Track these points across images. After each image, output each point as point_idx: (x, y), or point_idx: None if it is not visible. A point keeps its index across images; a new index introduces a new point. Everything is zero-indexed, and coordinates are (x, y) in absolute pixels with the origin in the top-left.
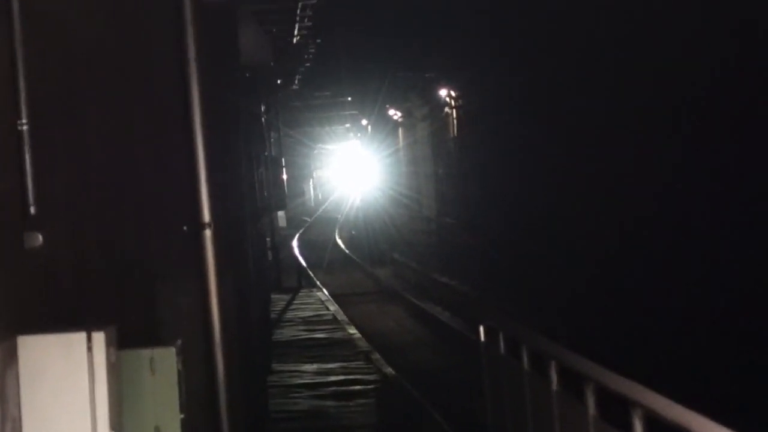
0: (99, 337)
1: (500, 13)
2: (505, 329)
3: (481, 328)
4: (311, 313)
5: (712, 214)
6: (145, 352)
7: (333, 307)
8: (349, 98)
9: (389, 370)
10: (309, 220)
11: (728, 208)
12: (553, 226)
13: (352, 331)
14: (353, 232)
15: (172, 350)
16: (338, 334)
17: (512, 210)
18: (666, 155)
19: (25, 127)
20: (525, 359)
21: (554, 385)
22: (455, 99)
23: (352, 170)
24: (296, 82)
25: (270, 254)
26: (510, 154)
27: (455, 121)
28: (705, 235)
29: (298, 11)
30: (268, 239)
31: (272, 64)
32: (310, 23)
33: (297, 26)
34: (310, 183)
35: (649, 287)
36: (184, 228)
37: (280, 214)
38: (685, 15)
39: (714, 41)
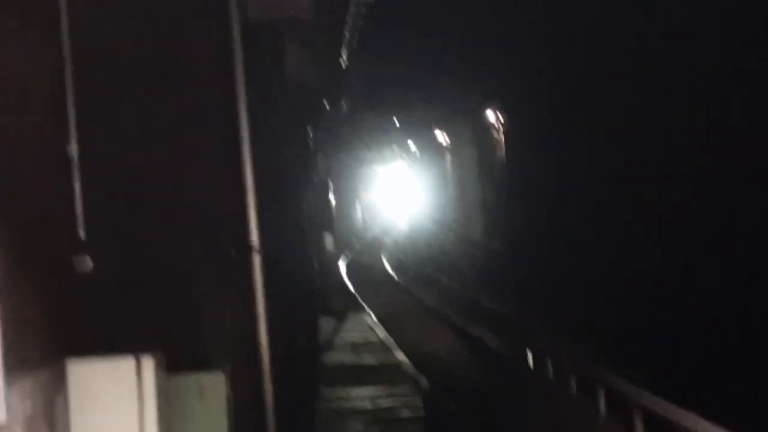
0: (148, 362)
1: (551, 34)
2: (553, 353)
3: (529, 353)
4: (358, 337)
5: None
6: (194, 377)
7: (381, 332)
8: (397, 122)
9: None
10: (356, 242)
11: None
12: (597, 249)
13: (401, 356)
14: (401, 258)
15: (221, 375)
16: (386, 360)
17: (557, 232)
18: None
19: (74, 151)
20: (573, 384)
21: (602, 410)
22: (504, 124)
23: (400, 194)
24: (344, 105)
25: (317, 278)
26: (552, 179)
27: (504, 146)
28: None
29: (347, 34)
30: (315, 262)
31: (320, 86)
32: (358, 45)
33: (345, 47)
34: (357, 206)
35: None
36: (233, 251)
37: (328, 236)
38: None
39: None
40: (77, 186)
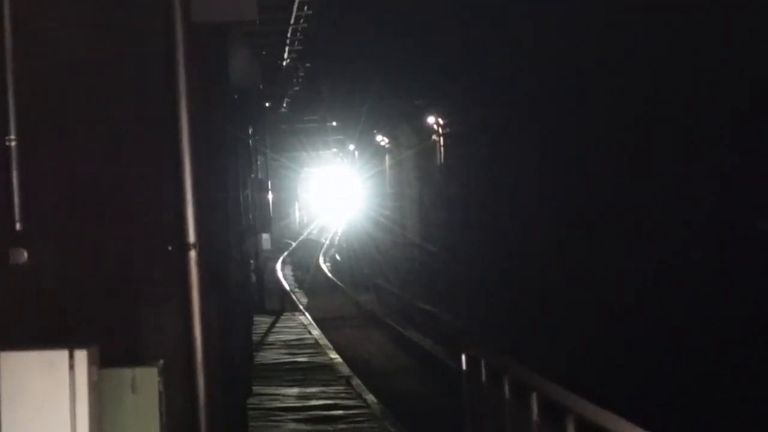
0: (81, 356)
1: (487, 38)
2: (486, 358)
3: (463, 357)
4: (293, 337)
5: None
6: (127, 372)
7: (315, 332)
8: (336, 123)
9: (370, 396)
10: (293, 243)
11: None
12: (534, 252)
13: (334, 355)
14: (337, 257)
15: (154, 370)
16: (320, 359)
17: (494, 234)
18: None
19: (13, 143)
20: (506, 389)
21: (535, 416)
22: (443, 126)
23: (338, 194)
24: (284, 105)
25: (254, 276)
26: (493, 180)
27: (442, 148)
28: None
29: (289, 35)
30: (252, 261)
31: (261, 86)
32: (300, 47)
33: (287, 49)
34: (296, 206)
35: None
36: (169, 248)
37: (265, 236)
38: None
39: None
40: (15, 178)
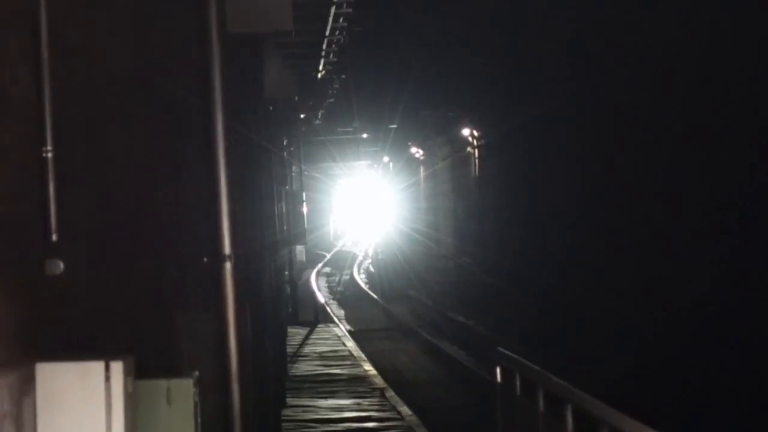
0: (117, 367)
1: (523, 54)
2: (521, 370)
3: (498, 369)
4: (328, 348)
5: None
6: (162, 383)
7: (350, 344)
8: (368, 135)
9: (404, 408)
10: (327, 255)
11: None
12: (570, 264)
13: (368, 367)
14: (372, 269)
15: (190, 381)
16: (354, 371)
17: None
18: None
19: (49, 155)
20: (541, 401)
21: (570, 429)
22: (477, 138)
23: (372, 205)
24: (319, 116)
25: (288, 288)
26: (525, 192)
27: (477, 161)
28: None
29: (324, 47)
30: (286, 273)
31: (296, 98)
32: (335, 59)
33: (322, 61)
34: (330, 218)
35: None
36: (204, 259)
37: (299, 248)
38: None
39: None
40: (51, 189)
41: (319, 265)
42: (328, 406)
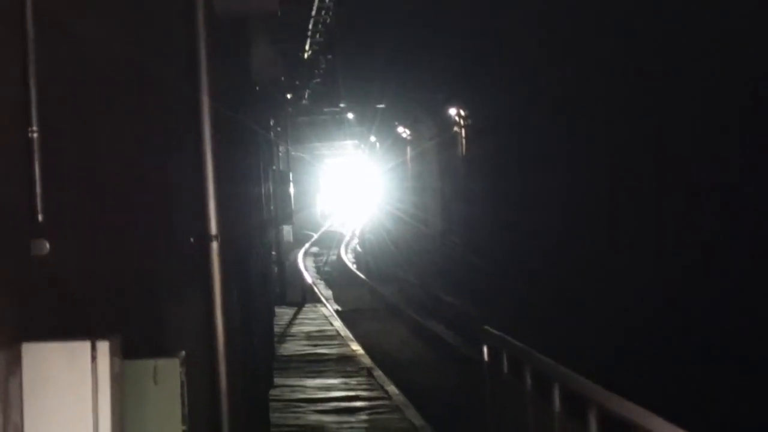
0: (103, 347)
1: (510, 31)
2: (508, 349)
3: (485, 348)
4: (315, 328)
5: None
6: (149, 363)
7: (337, 323)
8: (354, 115)
9: (391, 387)
10: (314, 234)
11: None
12: (558, 245)
13: (355, 347)
14: (359, 249)
15: (176, 361)
16: (341, 350)
17: (516, 229)
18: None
19: (35, 135)
20: (528, 380)
21: (556, 407)
22: (464, 118)
23: (360, 186)
24: (306, 97)
25: (275, 268)
26: (514, 172)
27: (463, 140)
28: None
29: (310, 27)
30: (273, 253)
31: (282, 78)
32: (321, 39)
33: (309, 42)
34: (317, 197)
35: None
36: (191, 239)
37: (286, 228)
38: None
39: None
40: (37, 169)
41: (307, 244)
42: (315, 385)
